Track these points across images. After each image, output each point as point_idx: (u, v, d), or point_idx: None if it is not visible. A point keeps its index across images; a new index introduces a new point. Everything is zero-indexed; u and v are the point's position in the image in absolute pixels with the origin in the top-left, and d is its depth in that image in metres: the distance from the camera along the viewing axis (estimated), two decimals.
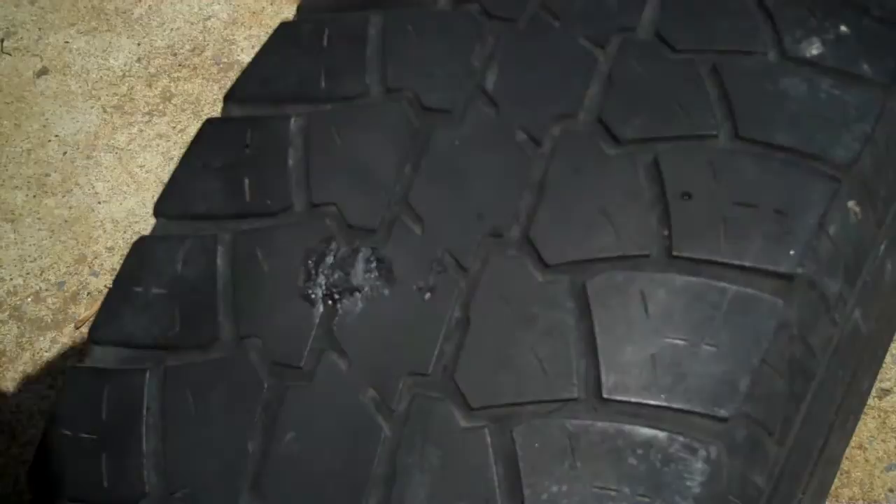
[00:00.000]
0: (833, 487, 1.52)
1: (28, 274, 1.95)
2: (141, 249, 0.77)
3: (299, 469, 0.66)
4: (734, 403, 0.61)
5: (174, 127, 2.15)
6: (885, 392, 1.63)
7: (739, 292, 0.63)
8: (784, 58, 0.70)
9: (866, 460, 1.57)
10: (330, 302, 0.70)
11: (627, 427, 0.61)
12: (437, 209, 0.70)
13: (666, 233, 0.65)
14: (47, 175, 2.10)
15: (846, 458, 1.56)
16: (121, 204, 2.05)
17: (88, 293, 1.92)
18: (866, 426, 1.59)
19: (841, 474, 1.56)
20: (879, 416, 1.61)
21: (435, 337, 0.66)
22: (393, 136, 0.74)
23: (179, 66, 2.26)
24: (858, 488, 1.55)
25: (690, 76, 0.70)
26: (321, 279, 0.71)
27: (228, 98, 0.81)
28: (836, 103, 0.68)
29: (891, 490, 1.54)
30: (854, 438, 1.56)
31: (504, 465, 0.62)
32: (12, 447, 1.72)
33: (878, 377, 1.54)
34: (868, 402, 1.57)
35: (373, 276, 0.70)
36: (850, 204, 0.67)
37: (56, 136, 2.17)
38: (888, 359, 1.65)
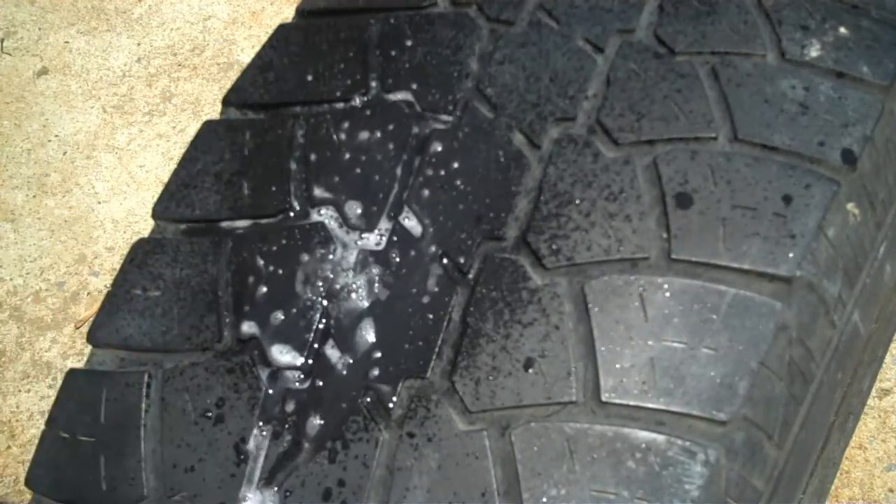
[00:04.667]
0: (833, 487, 1.52)
1: (28, 274, 1.95)
2: (140, 251, 0.77)
3: (304, 467, 0.66)
4: (733, 406, 0.60)
5: (174, 127, 2.15)
6: (885, 392, 1.63)
7: (738, 295, 0.63)
8: (783, 59, 0.70)
9: (866, 460, 1.57)
10: (329, 304, 0.70)
11: (626, 430, 0.60)
12: (436, 212, 0.70)
13: (665, 235, 0.65)
14: (47, 175, 2.10)
15: (846, 458, 1.56)
16: (121, 204, 2.05)
17: (88, 293, 1.92)
18: (866, 426, 1.59)
19: (841, 474, 1.56)
20: (879, 416, 1.61)
21: (433, 340, 0.66)
22: (392, 137, 0.74)
23: (179, 66, 2.26)
24: (858, 488, 1.55)
25: (689, 78, 0.70)
26: (319, 281, 0.71)
27: (227, 101, 0.81)
28: (835, 105, 0.68)
29: (891, 490, 1.54)
30: (854, 438, 1.56)
31: (503, 469, 0.62)
32: (12, 447, 1.73)
33: (878, 377, 1.54)
34: (868, 402, 1.57)
35: (371, 278, 0.70)
36: (850, 206, 0.67)
37: (56, 136, 2.17)
38: (888, 359, 1.65)
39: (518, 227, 0.68)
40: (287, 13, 2.32)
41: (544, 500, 0.60)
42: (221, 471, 0.67)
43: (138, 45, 2.31)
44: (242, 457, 0.67)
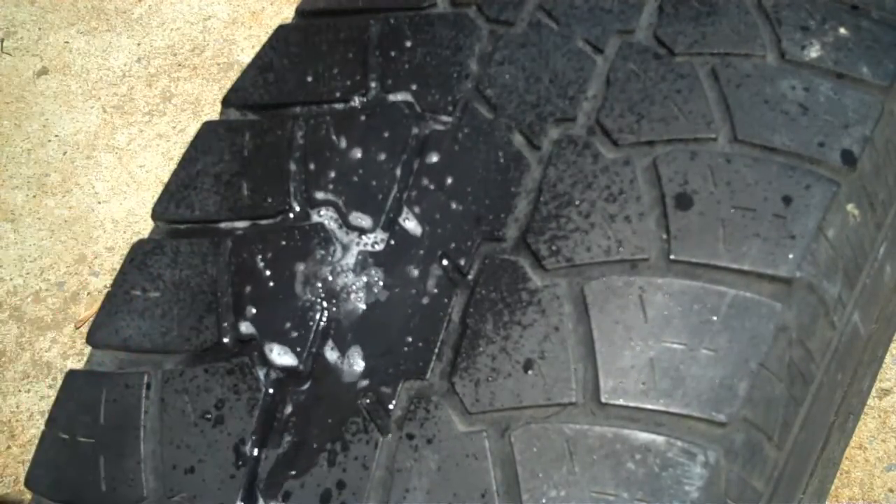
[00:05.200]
0: (833, 487, 1.52)
1: (28, 274, 1.95)
2: (140, 252, 0.77)
3: (304, 469, 0.66)
4: (733, 408, 0.60)
5: (174, 127, 2.15)
6: (885, 392, 1.63)
7: (738, 296, 0.63)
8: (783, 60, 0.70)
9: (866, 460, 1.57)
10: (328, 304, 0.70)
11: (626, 431, 0.60)
12: (435, 213, 0.70)
13: (664, 236, 0.65)
14: (47, 175, 2.10)
15: (846, 458, 1.56)
16: (121, 204, 2.05)
17: (88, 293, 1.92)
18: (866, 426, 1.59)
19: (841, 474, 1.56)
20: (879, 416, 1.61)
21: (433, 341, 0.66)
22: (391, 138, 0.74)
23: (179, 66, 2.26)
24: (858, 488, 1.55)
25: (689, 79, 0.70)
26: (319, 282, 0.71)
27: (227, 101, 0.81)
28: (835, 106, 0.68)
29: (891, 490, 1.54)
30: (854, 438, 1.56)
31: (502, 470, 0.62)
32: (12, 447, 1.73)
33: (878, 377, 1.54)
34: (868, 402, 1.57)
35: (371, 279, 0.70)
36: (849, 207, 0.67)
37: (56, 136, 2.17)
38: (888, 359, 1.65)
39: (518, 228, 0.68)
40: (287, 13, 2.32)
41: (544, 501, 0.60)
42: (221, 472, 0.67)
43: (138, 45, 2.31)
44: (242, 458, 0.67)
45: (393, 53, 0.77)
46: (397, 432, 0.65)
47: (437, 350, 0.66)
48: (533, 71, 0.73)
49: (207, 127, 0.80)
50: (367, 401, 0.66)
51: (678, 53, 0.71)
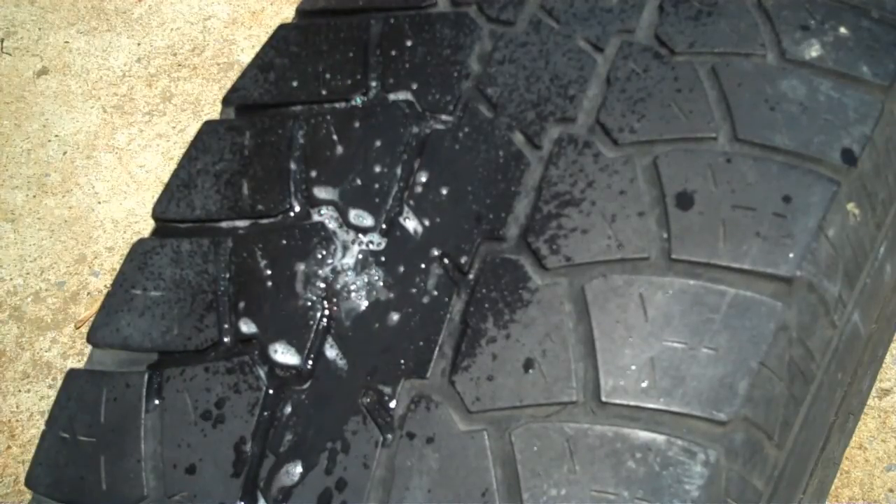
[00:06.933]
0: (833, 487, 1.52)
1: (28, 274, 1.95)
2: (140, 251, 0.77)
3: (304, 468, 0.66)
4: (733, 407, 0.60)
5: (174, 127, 2.15)
6: (885, 392, 1.63)
7: (738, 295, 0.63)
8: (783, 59, 0.70)
9: (866, 460, 1.57)
10: (328, 304, 0.70)
11: (626, 430, 0.60)
12: (436, 212, 0.70)
13: (665, 235, 0.65)
14: (47, 175, 2.10)
15: (846, 458, 1.56)
16: (121, 204, 2.05)
17: (88, 293, 1.92)
18: (866, 426, 1.59)
19: (841, 474, 1.56)
20: (879, 416, 1.61)
21: (433, 340, 0.66)
22: (392, 137, 0.74)
23: (179, 66, 2.26)
24: (858, 488, 1.55)
25: (689, 78, 0.70)
26: (320, 281, 0.71)
27: (227, 101, 0.81)
28: (835, 105, 0.68)
29: (891, 490, 1.54)
30: (854, 438, 1.56)
31: (503, 469, 0.62)
32: (12, 447, 1.73)
33: (878, 377, 1.54)
34: (868, 402, 1.58)
35: (371, 278, 0.70)
36: (850, 206, 0.67)
37: (56, 136, 2.17)
38: (888, 359, 1.65)
39: (518, 227, 0.68)
40: (287, 13, 2.32)
41: (544, 500, 0.60)
42: (221, 471, 0.67)
43: (138, 45, 2.31)
44: (242, 457, 0.67)
45: (393, 53, 0.77)
46: (398, 431, 0.65)
47: (437, 349, 0.66)
48: (533, 70, 0.73)
49: (208, 126, 0.80)
50: (368, 400, 0.66)
51: (678, 53, 0.71)
